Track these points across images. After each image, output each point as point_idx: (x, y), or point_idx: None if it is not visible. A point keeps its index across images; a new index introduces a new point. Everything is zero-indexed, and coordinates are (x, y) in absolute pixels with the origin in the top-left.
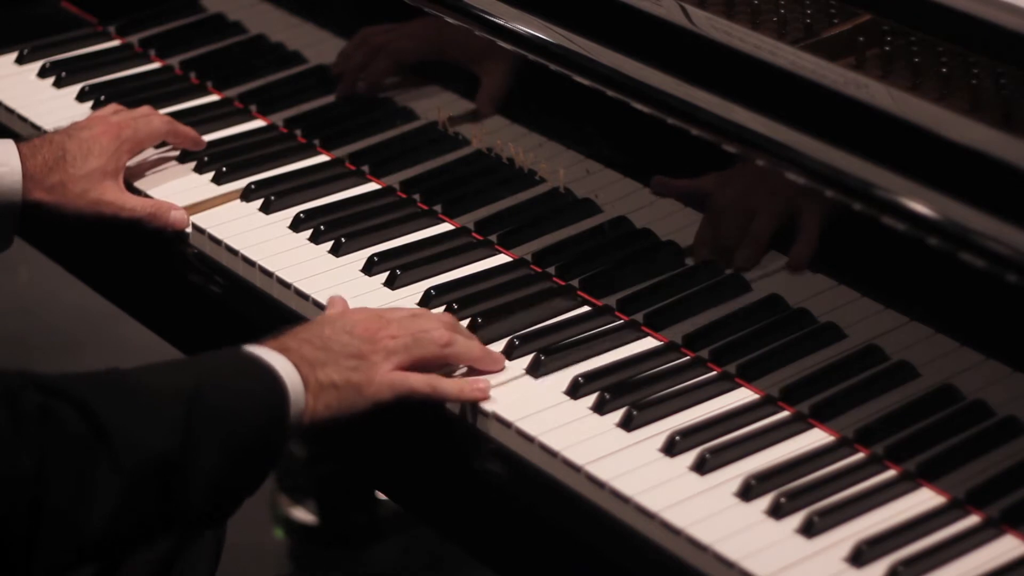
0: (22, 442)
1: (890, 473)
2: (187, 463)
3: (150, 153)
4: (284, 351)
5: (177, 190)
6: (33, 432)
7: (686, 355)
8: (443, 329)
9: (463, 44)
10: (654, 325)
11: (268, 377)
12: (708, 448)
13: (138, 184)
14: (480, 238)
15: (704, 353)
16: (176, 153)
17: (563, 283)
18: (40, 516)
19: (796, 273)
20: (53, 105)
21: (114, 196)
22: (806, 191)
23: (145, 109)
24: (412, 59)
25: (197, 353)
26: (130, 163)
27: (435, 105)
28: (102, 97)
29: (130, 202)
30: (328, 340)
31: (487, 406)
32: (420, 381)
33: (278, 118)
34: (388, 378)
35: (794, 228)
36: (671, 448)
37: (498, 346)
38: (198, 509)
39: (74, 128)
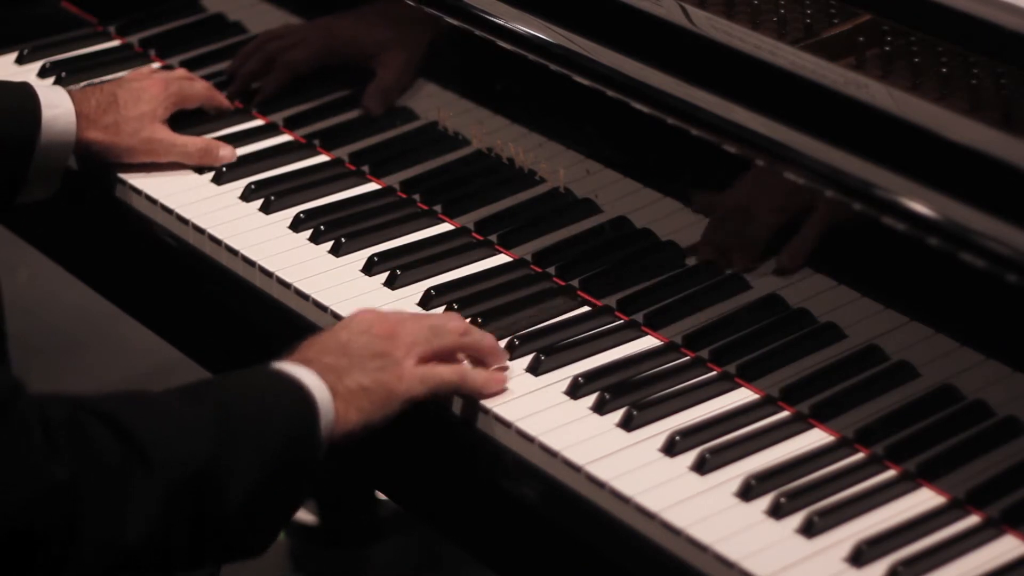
0: (55, 454)
1: (890, 473)
2: (222, 474)
3: None
4: (306, 363)
5: (177, 189)
6: (65, 444)
7: (686, 355)
8: (457, 319)
9: (355, 43)
10: (654, 325)
11: (294, 389)
12: (708, 448)
13: (137, 182)
14: (480, 238)
15: (704, 353)
16: None
17: (563, 283)
18: (76, 529)
19: (791, 273)
20: None
21: (165, 134)
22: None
23: (184, 71)
24: (306, 68)
25: (196, 353)
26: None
27: (435, 105)
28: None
29: (181, 139)
30: (347, 345)
31: (487, 405)
32: (450, 372)
33: (278, 117)
34: (417, 372)
35: (792, 228)
36: (671, 448)
37: None
38: (235, 527)
39: (123, 79)
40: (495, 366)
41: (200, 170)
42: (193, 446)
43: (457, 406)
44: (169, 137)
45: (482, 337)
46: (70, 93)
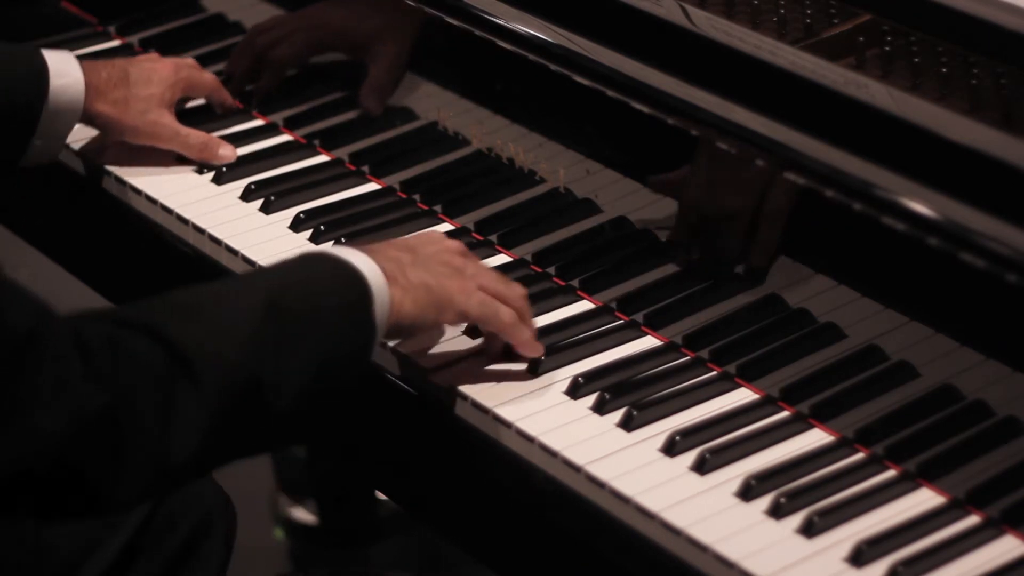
0: (94, 378)
1: (890, 473)
2: (272, 378)
3: (151, 151)
4: (367, 252)
5: (177, 189)
6: (105, 366)
7: (686, 355)
8: (524, 295)
9: (344, 34)
10: (654, 325)
11: (349, 275)
12: (708, 448)
13: (137, 182)
14: (480, 238)
15: (704, 353)
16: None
17: (563, 283)
18: (120, 453)
19: (791, 272)
20: None
21: (170, 121)
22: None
23: (193, 61)
24: (296, 63)
25: None
26: (132, 159)
27: (435, 105)
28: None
29: (185, 129)
30: (415, 247)
31: (487, 406)
32: (506, 313)
33: (278, 118)
34: (481, 295)
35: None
36: (671, 448)
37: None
38: (289, 421)
39: (135, 58)
40: (527, 354)
41: (200, 170)
42: (240, 352)
43: (458, 406)
44: (174, 124)
45: (525, 329)
46: (80, 62)
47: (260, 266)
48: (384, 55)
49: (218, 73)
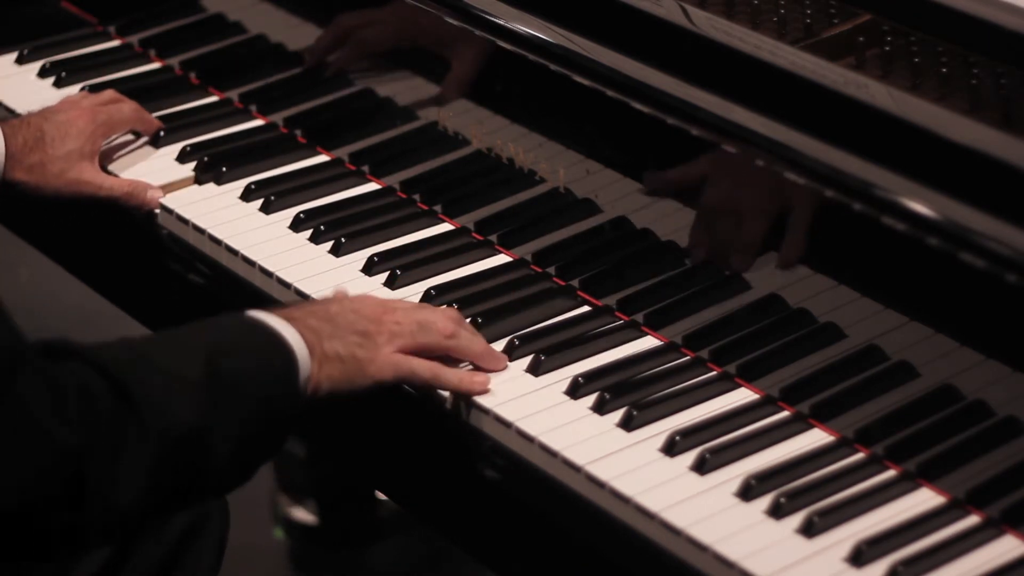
0: (64, 419)
1: (890, 473)
2: (210, 431)
3: (151, 151)
4: (290, 320)
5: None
6: (73, 410)
7: (686, 355)
8: (448, 321)
9: (434, 31)
10: (654, 325)
11: (279, 344)
12: (708, 448)
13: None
14: (480, 238)
15: (704, 353)
16: (177, 152)
17: (563, 283)
18: (80, 492)
19: (791, 272)
20: None
21: (91, 176)
22: (795, 186)
23: (112, 94)
24: (381, 48)
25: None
26: (131, 166)
27: (435, 105)
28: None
29: (108, 181)
30: (334, 315)
31: (487, 405)
32: (422, 366)
33: (278, 118)
34: (392, 359)
35: (786, 225)
36: (671, 448)
37: (498, 346)
38: (219, 478)
39: (49, 111)
40: (492, 371)
41: (200, 171)
42: (185, 406)
43: (457, 406)
44: (96, 179)
45: (471, 343)
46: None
47: (200, 321)
48: (467, 54)
49: (224, 76)
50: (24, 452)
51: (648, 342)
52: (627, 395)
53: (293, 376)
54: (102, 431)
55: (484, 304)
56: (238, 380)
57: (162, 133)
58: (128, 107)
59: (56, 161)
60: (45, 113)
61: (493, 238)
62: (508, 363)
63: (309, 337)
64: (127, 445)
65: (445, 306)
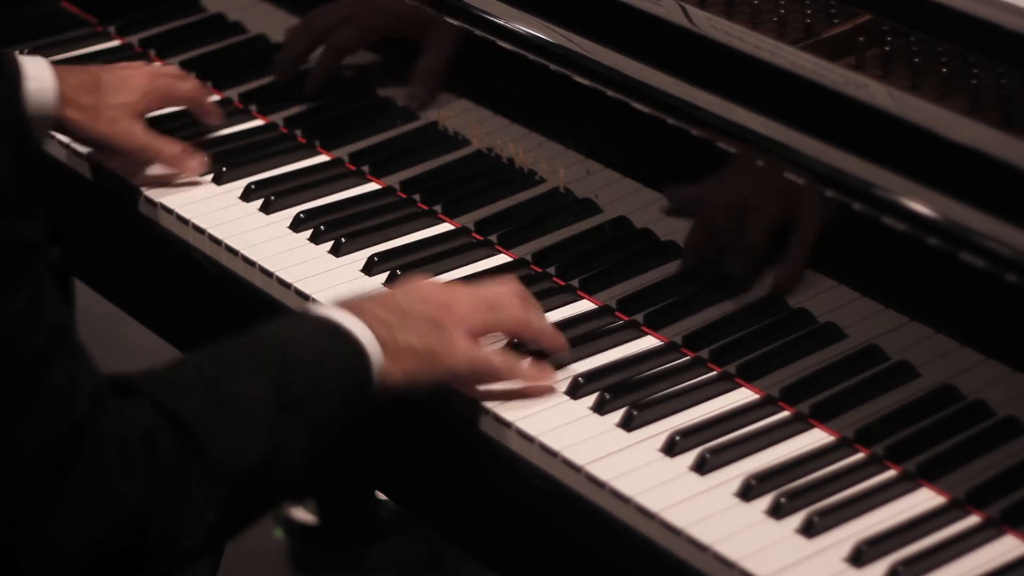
0: (131, 475)
1: (890, 473)
2: (280, 458)
3: None
4: (359, 313)
5: (177, 189)
6: (140, 462)
7: (686, 355)
8: (519, 306)
9: (407, 21)
10: (654, 325)
11: (351, 346)
12: (708, 448)
13: (135, 180)
14: (480, 238)
15: (704, 353)
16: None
17: (563, 283)
18: (145, 543)
19: (794, 276)
20: None
21: (142, 131)
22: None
23: (176, 68)
24: (357, 47)
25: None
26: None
27: (435, 105)
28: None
29: (156, 141)
30: (403, 305)
31: (487, 406)
32: (500, 360)
33: (278, 118)
34: (469, 351)
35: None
36: (671, 448)
37: (497, 347)
38: (285, 495)
39: (112, 65)
40: (555, 351)
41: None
42: (253, 441)
43: (457, 406)
44: (146, 135)
45: (542, 329)
46: (53, 67)
47: (265, 325)
48: (439, 49)
49: (224, 76)
50: (93, 511)
51: (648, 342)
52: (627, 395)
53: (366, 376)
54: (167, 481)
55: None
56: (308, 396)
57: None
58: (189, 85)
59: (109, 109)
60: (105, 66)
61: (493, 238)
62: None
63: (380, 331)
64: (191, 494)
65: (507, 276)
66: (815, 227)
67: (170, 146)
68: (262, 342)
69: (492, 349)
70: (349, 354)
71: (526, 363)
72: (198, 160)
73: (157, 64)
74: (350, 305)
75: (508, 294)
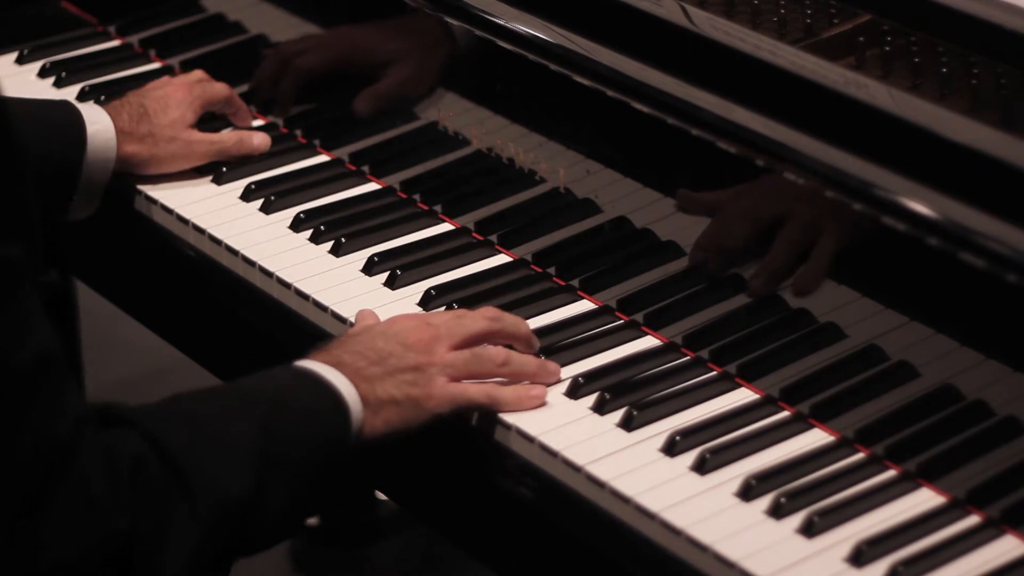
0: (117, 501)
1: (890, 473)
2: (262, 499)
3: None
4: (339, 366)
5: (178, 190)
6: (127, 488)
7: (686, 355)
8: (499, 348)
9: (370, 52)
10: (654, 325)
11: (332, 400)
12: (708, 448)
13: (139, 184)
14: (480, 238)
15: (704, 353)
16: None
17: (563, 283)
18: (127, 566)
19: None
20: None
21: (200, 135)
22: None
23: (201, 72)
24: (320, 74)
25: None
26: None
27: (435, 105)
28: (102, 97)
29: (216, 136)
30: (382, 353)
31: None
32: (479, 393)
33: (278, 118)
34: (447, 391)
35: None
36: (671, 448)
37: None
38: (266, 538)
39: (144, 89)
40: (546, 383)
41: (200, 170)
42: (237, 478)
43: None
44: (206, 136)
45: (523, 365)
46: (103, 108)
47: (253, 375)
48: (399, 74)
49: (224, 76)
50: (78, 530)
51: (648, 342)
52: (627, 395)
53: (345, 429)
54: (151, 509)
55: (484, 304)
56: (291, 443)
57: None
58: (220, 86)
59: (164, 129)
60: (140, 91)
61: (493, 238)
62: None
63: (362, 387)
64: (175, 523)
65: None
66: (816, 228)
67: (230, 135)
68: (249, 389)
69: (471, 385)
70: (330, 409)
71: (509, 390)
72: (260, 137)
73: (180, 74)
74: (332, 357)
75: (481, 323)
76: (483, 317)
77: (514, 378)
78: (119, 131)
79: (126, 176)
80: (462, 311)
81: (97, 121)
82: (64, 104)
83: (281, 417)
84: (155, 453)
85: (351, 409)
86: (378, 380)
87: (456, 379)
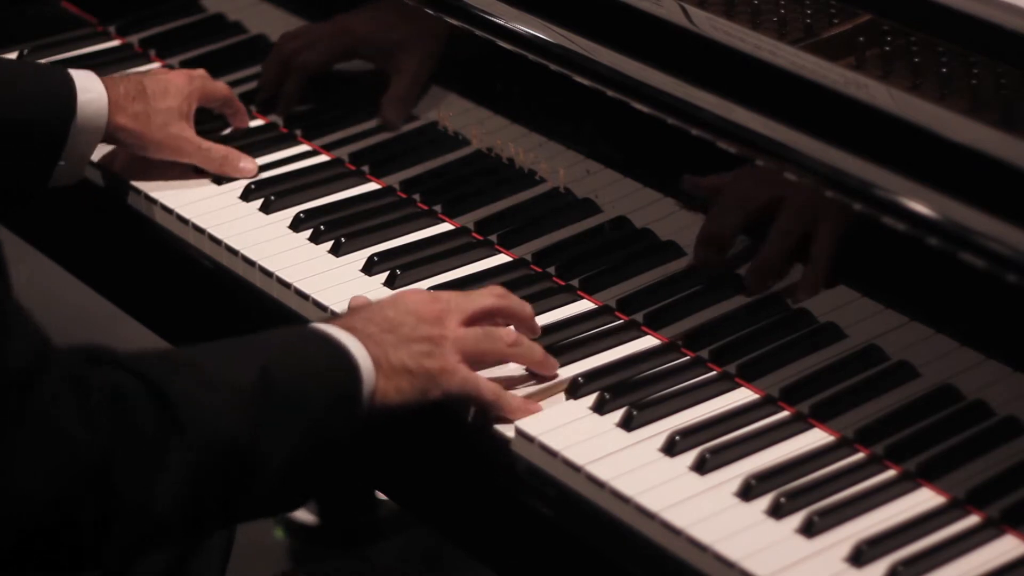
0: (89, 426)
1: (890, 473)
2: (256, 450)
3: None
4: (351, 330)
5: (177, 189)
6: (103, 414)
7: (686, 355)
8: (512, 332)
9: (372, 42)
10: (654, 325)
11: (341, 356)
12: (708, 448)
13: (135, 182)
14: (480, 238)
15: (704, 353)
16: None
17: (563, 283)
18: (110, 500)
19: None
20: None
21: (191, 135)
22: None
23: (204, 71)
24: (321, 69)
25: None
26: (132, 161)
27: (435, 105)
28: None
29: (206, 143)
30: (394, 322)
31: None
32: (489, 389)
33: (279, 117)
34: (462, 372)
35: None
36: (671, 448)
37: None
38: (267, 497)
39: (147, 72)
40: (546, 376)
41: (201, 170)
42: (231, 418)
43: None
44: (196, 138)
45: (531, 350)
46: (100, 78)
47: (260, 334)
48: (408, 67)
49: (224, 76)
50: (47, 460)
51: (648, 342)
52: (627, 395)
53: (355, 390)
54: (134, 436)
55: None
56: (294, 395)
57: None
58: (220, 84)
59: (159, 113)
60: (142, 73)
61: (493, 238)
62: (516, 368)
63: (374, 350)
64: (164, 455)
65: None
66: (816, 228)
67: (219, 149)
68: (254, 342)
69: (483, 378)
70: (339, 366)
71: (514, 397)
72: (247, 162)
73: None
74: (343, 322)
75: (490, 299)
76: (491, 294)
77: (520, 361)
78: (113, 102)
79: (126, 176)
80: (470, 293)
81: (90, 89)
82: (58, 70)
83: (285, 366)
84: (143, 386)
85: (362, 369)
86: (391, 347)
87: (466, 354)
